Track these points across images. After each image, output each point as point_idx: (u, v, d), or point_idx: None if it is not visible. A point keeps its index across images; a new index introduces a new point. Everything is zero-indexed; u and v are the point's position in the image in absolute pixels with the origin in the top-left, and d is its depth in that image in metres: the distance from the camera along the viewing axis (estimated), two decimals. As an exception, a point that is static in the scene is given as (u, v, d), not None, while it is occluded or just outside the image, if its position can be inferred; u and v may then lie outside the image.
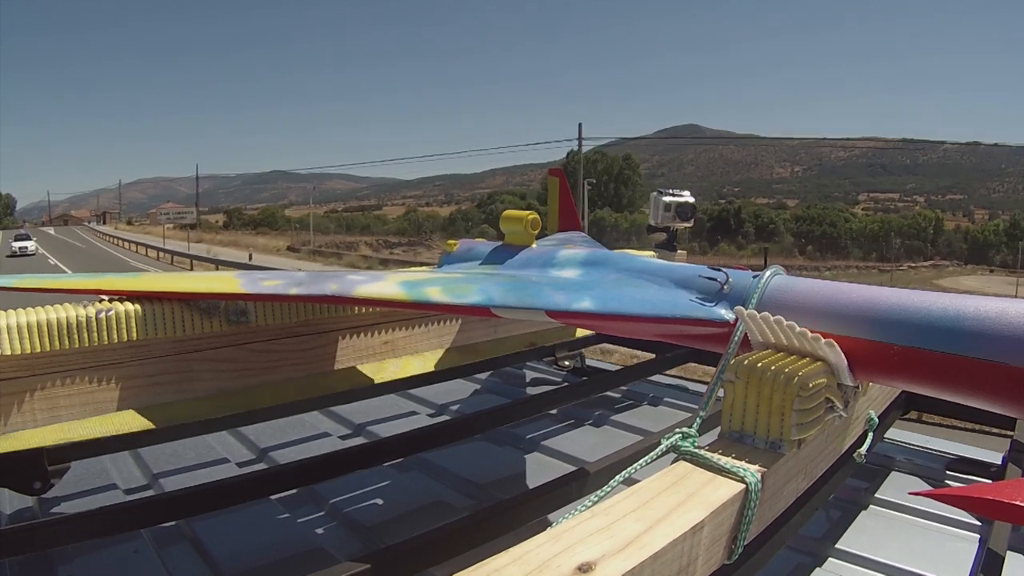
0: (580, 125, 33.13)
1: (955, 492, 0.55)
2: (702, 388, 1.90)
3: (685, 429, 0.69)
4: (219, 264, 23.33)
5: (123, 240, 43.02)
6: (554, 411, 1.70)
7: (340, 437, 1.60)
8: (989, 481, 1.25)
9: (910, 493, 0.74)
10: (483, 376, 1.98)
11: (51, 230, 65.78)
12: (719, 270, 0.88)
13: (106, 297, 0.88)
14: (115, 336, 0.86)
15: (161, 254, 30.16)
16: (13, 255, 33.23)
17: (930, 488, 1.25)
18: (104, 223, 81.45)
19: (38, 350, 0.80)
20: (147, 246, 34.31)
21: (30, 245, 35.68)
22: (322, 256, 32.92)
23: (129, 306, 0.87)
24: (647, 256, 1.29)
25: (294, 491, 1.25)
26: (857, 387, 0.74)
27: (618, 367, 1.90)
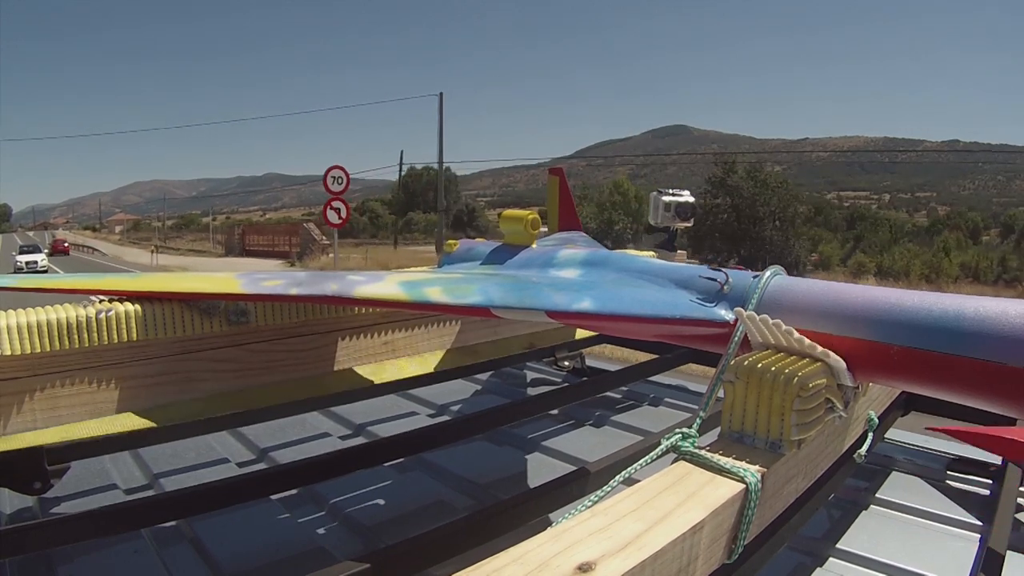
0: (401, 152, 47.64)
1: (974, 431, 0.54)
2: (702, 388, 1.90)
3: (685, 429, 0.69)
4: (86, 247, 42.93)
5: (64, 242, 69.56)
6: (554, 411, 1.70)
7: (340, 437, 1.60)
8: (989, 480, 1.25)
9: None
10: (483, 376, 1.98)
11: (31, 233, 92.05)
12: (719, 270, 0.89)
13: (106, 297, 0.88)
14: (115, 336, 0.86)
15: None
16: (19, 272, 25.22)
17: (932, 488, 1.25)
18: (68, 229, 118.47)
19: (38, 350, 0.80)
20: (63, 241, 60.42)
21: (40, 259, 28.50)
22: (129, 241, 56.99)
23: (129, 306, 0.87)
24: (647, 256, 1.29)
25: (294, 491, 1.25)
26: (857, 387, 0.74)
27: (618, 367, 1.90)
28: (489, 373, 2.00)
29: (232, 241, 39.72)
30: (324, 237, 29.32)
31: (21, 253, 29.79)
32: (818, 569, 1.01)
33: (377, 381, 1.16)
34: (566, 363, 1.97)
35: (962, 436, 0.57)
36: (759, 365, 0.69)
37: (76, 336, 0.83)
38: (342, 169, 12.30)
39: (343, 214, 12.16)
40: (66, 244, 47.38)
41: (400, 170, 41.11)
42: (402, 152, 43.80)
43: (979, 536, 1.08)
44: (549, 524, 0.56)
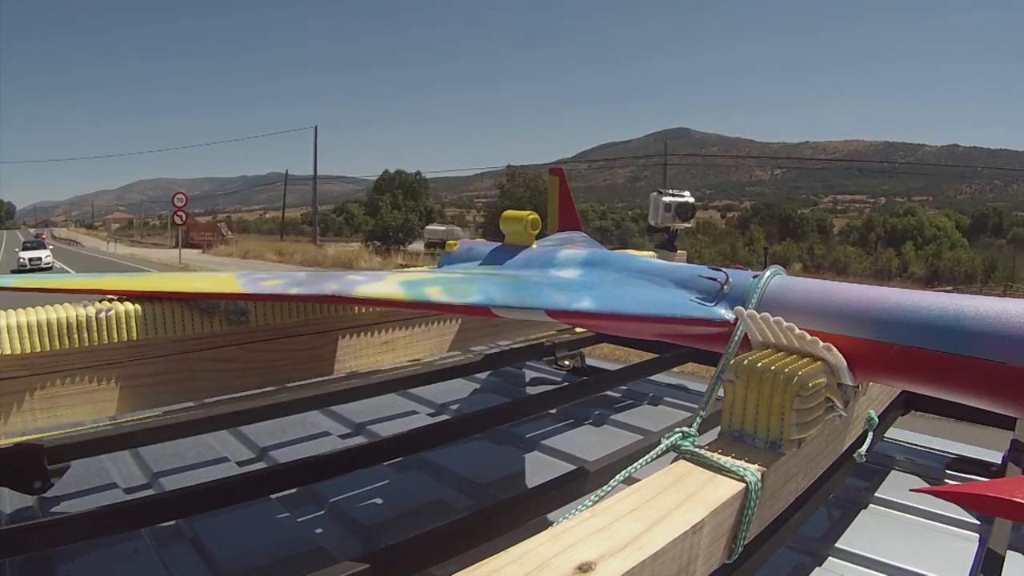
0: (286, 172, 54.25)
1: (956, 489, 0.55)
2: (702, 388, 1.90)
3: (685, 429, 0.69)
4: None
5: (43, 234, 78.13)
6: (554, 410, 1.70)
7: (340, 437, 1.60)
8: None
9: (911, 490, 0.74)
10: (483, 376, 1.98)
11: (32, 230, 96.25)
12: (719, 270, 0.89)
13: (106, 297, 0.88)
14: (115, 336, 0.86)
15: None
16: (22, 268, 25.30)
17: (930, 487, 1.25)
18: (65, 226, 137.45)
19: (38, 350, 0.80)
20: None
21: (44, 255, 27.25)
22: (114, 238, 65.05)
23: (129, 306, 0.87)
24: (647, 256, 1.29)
25: (294, 491, 1.25)
26: (857, 387, 0.74)
27: (618, 366, 1.90)
28: (488, 372, 2.00)
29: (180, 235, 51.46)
30: (230, 232, 47.98)
31: (25, 249, 28.82)
32: (818, 569, 1.01)
33: (377, 380, 1.16)
34: (566, 362, 1.97)
35: (947, 496, 0.57)
36: (759, 364, 0.69)
37: (76, 336, 0.83)
38: (183, 194, 23.79)
39: (183, 218, 23.85)
40: (44, 237, 56.34)
41: (285, 187, 51.21)
42: (287, 170, 52.36)
43: (979, 536, 1.08)
44: (549, 524, 0.56)
